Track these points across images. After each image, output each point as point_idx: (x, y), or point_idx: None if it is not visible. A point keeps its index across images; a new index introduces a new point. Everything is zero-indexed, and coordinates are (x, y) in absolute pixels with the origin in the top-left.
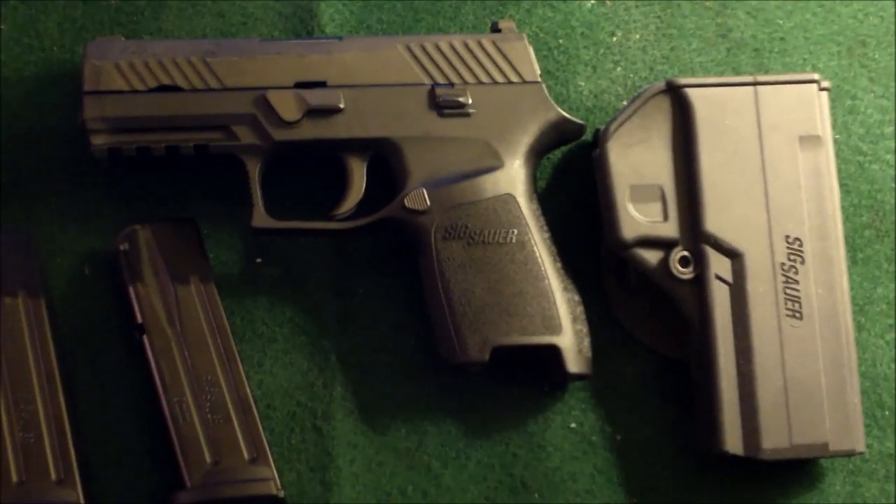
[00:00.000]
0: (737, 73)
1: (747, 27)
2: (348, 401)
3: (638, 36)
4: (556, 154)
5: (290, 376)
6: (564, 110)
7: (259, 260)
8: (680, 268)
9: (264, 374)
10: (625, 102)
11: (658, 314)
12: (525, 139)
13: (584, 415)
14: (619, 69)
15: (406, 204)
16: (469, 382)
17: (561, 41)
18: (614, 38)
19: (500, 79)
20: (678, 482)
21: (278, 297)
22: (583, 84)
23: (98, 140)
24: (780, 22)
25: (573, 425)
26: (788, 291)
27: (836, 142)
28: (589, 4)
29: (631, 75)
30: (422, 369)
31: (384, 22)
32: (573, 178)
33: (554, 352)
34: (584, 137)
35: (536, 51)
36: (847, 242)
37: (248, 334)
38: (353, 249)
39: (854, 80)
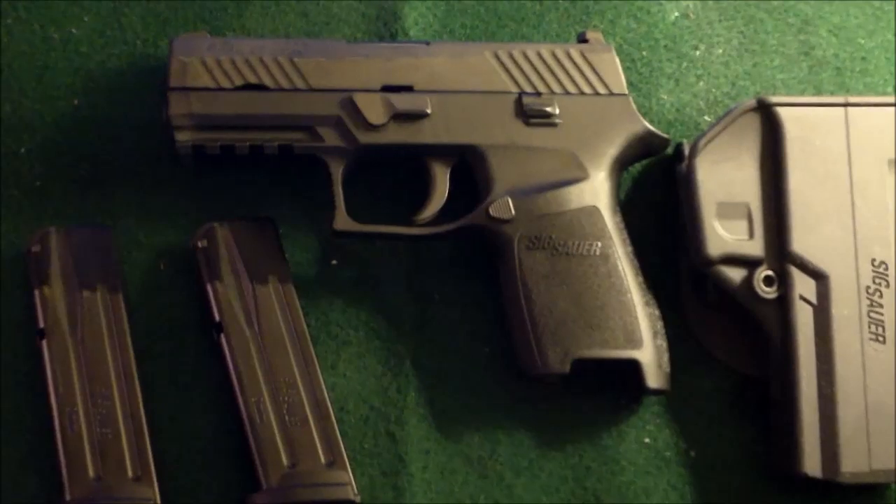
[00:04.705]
0: (818, 91)
1: (829, 45)
2: (422, 406)
3: (721, 51)
4: (636, 167)
5: (364, 380)
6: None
7: (335, 262)
8: (764, 287)
9: (338, 377)
10: (706, 117)
11: (736, 331)
12: (611, 151)
13: (658, 430)
14: (701, 83)
15: (491, 212)
16: (543, 393)
17: (644, 53)
18: (697, 52)
19: (587, 90)
20: (752, 501)
21: (354, 300)
22: (665, 97)
23: (183, 137)
24: (862, 41)
25: (647, 440)
26: (872, 315)
27: None
28: (673, 17)
29: (713, 90)
30: (496, 377)
31: (467, 27)
32: (651, 192)
33: (634, 366)
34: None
35: (620, 62)
36: None
37: (323, 336)
38: (430, 254)
39: None
